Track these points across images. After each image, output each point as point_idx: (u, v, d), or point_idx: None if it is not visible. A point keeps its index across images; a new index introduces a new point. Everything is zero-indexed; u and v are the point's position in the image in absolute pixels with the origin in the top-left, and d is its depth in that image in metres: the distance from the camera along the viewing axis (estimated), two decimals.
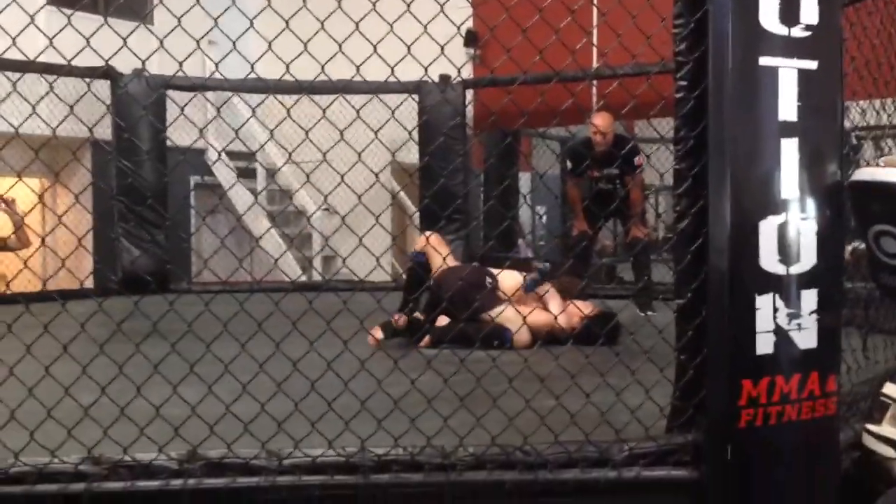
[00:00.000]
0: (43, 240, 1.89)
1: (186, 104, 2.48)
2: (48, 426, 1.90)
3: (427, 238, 4.35)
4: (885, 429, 2.21)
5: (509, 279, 4.23)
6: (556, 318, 3.85)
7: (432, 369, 2.21)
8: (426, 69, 1.90)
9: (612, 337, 3.59)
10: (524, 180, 9.12)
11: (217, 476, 1.85)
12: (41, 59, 2.20)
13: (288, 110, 1.92)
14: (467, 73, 7.76)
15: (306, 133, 1.84)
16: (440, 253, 4.07)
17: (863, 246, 2.15)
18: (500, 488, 1.91)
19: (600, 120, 5.21)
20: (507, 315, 3.88)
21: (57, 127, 1.82)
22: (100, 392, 1.97)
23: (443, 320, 4.15)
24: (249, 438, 1.93)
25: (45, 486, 1.80)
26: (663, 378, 2.12)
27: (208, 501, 1.85)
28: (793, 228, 1.93)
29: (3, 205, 5.97)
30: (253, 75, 1.91)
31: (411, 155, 6.70)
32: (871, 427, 2.23)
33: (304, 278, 7.63)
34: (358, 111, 1.92)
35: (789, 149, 1.93)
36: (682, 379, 2.00)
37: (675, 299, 2.05)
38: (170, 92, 5.92)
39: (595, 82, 6.51)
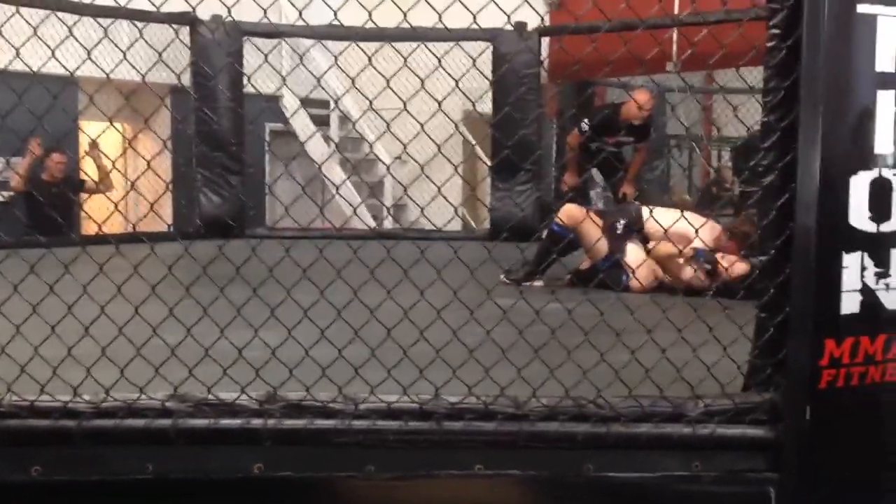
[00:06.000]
0: (132, 184, 1.94)
1: (270, 52, 2.49)
2: (137, 364, 1.98)
3: (575, 214, 4.24)
4: None
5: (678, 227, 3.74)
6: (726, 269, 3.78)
7: (507, 320, 2.22)
8: (509, 16, 1.87)
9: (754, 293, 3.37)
10: None
11: (295, 417, 1.90)
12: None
13: (370, 57, 1.92)
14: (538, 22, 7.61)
15: (387, 81, 1.84)
16: (595, 228, 4.06)
17: None
18: (573, 440, 1.92)
19: (644, 97, 5.54)
20: (631, 258, 4.02)
21: (146, 73, 1.85)
22: (185, 333, 2.03)
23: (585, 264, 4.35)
24: (327, 382, 1.97)
25: (133, 420, 1.87)
26: (742, 336, 2.09)
27: (287, 441, 1.90)
28: (886, 184, 1.86)
29: (89, 149, 6.17)
30: (335, 22, 1.90)
31: (482, 105, 6.64)
32: None
33: (375, 227, 7.71)
34: (440, 59, 1.91)
35: (886, 101, 1.84)
36: (762, 337, 1.97)
37: (757, 256, 2.01)
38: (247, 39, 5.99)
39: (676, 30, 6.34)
